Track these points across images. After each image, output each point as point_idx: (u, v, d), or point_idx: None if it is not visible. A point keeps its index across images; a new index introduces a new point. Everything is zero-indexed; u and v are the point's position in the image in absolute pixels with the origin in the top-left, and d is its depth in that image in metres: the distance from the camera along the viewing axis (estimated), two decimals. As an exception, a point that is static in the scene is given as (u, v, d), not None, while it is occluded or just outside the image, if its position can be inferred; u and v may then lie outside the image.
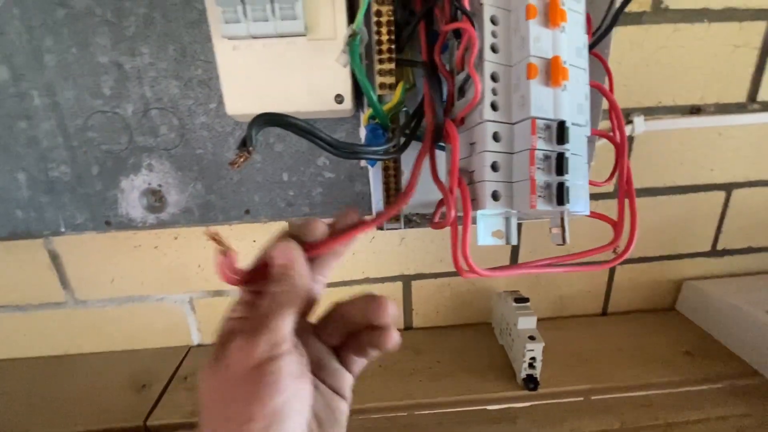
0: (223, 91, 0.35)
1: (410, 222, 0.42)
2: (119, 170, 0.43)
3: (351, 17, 0.33)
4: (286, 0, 0.31)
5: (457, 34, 0.28)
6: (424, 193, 0.33)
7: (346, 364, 0.25)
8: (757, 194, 0.64)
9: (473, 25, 0.25)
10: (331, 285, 0.66)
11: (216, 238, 0.21)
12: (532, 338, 0.52)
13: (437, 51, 0.30)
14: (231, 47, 0.33)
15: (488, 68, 0.25)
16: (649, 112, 0.57)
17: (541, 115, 0.24)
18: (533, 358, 0.53)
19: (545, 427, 0.50)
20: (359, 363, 0.26)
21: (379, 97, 0.32)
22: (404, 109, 0.33)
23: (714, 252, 0.68)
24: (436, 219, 0.35)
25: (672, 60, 0.55)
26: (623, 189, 0.30)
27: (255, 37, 0.33)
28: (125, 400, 0.56)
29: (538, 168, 0.24)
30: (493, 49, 0.25)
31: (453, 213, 0.26)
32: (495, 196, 0.25)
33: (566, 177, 0.24)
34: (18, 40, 0.38)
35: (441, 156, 0.30)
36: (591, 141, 0.35)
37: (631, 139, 0.58)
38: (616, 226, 0.30)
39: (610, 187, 0.61)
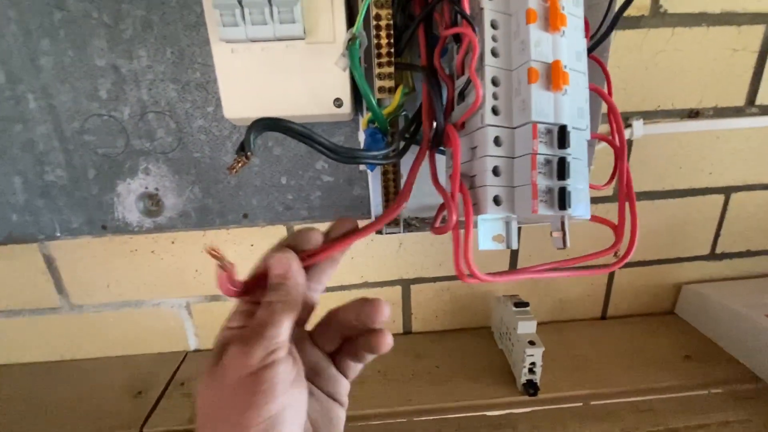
0: (221, 94, 0.35)
1: (409, 226, 0.42)
2: (116, 174, 0.42)
3: (350, 21, 0.33)
4: (285, 3, 0.31)
5: (457, 38, 0.28)
6: (423, 197, 0.32)
7: (342, 370, 0.26)
8: (756, 198, 0.64)
9: (474, 30, 0.24)
10: (329, 289, 0.66)
11: (215, 254, 0.21)
12: (532, 343, 0.52)
13: (437, 55, 0.29)
14: (229, 50, 0.33)
15: (489, 72, 0.25)
16: (648, 115, 0.57)
17: (542, 120, 0.24)
18: (533, 363, 0.53)
19: (545, 432, 0.50)
20: (355, 368, 0.26)
21: (379, 101, 0.31)
22: (404, 113, 0.33)
23: (713, 255, 0.68)
24: (437, 224, 0.35)
25: (670, 64, 0.55)
26: (623, 192, 0.30)
27: (253, 41, 0.33)
28: (121, 406, 0.55)
29: (540, 172, 0.24)
30: (494, 54, 0.25)
31: (455, 218, 0.26)
32: (496, 201, 0.25)
33: (568, 181, 0.24)
34: (14, 42, 0.38)
35: (440, 160, 0.30)
36: (590, 145, 0.35)
37: (630, 142, 0.58)
38: (617, 229, 0.30)
39: (609, 191, 0.61)
